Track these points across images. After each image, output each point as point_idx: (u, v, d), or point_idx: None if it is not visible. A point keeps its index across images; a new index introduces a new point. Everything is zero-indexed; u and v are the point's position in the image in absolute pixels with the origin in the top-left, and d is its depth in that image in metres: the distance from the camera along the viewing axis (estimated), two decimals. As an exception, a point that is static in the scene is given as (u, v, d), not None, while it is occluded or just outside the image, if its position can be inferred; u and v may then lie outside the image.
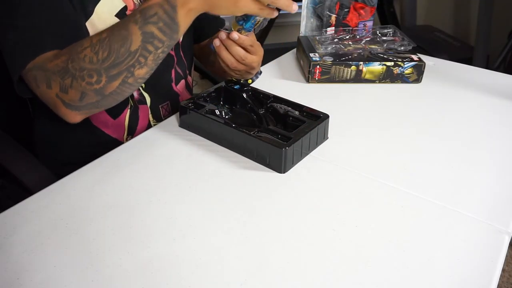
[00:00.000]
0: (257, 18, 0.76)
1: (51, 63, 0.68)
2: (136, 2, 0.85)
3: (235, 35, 0.79)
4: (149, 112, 0.92)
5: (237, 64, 0.83)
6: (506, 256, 0.65)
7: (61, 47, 0.69)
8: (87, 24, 0.79)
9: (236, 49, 0.81)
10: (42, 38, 0.71)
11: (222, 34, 0.81)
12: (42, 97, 0.71)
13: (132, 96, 0.89)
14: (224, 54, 0.82)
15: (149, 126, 0.94)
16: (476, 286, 0.56)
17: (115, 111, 0.87)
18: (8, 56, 0.72)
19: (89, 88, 0.66)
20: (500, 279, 0.72)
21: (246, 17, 0.77)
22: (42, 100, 0.72)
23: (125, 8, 0.83)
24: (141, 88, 0.90)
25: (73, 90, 0.67)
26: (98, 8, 0.79)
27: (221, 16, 1.05)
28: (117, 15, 0.82)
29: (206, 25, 1.05)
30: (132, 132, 0.92)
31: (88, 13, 0.78)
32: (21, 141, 0.93)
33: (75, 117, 0.72)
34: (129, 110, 0.89)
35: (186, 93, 1.04)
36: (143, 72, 0.68)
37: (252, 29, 0.79)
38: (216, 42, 0.82)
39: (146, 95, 0.91)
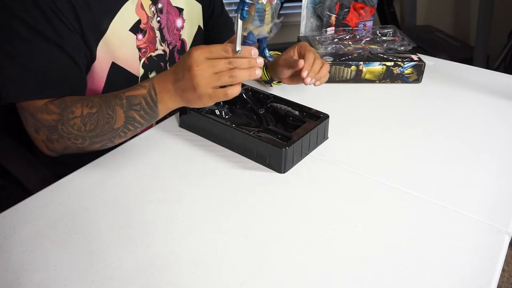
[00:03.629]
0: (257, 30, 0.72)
1: (42, 115, 0.73)
2: (149, 15, 0.84)
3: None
4: None
5: None
6: (506, 256, 0.65)
7: (53, 96, 0.74)
8: (101, 42, 0.78)
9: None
10: (35, 84, 0.73)
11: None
12: (29, 134, 0.78)
13: None
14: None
15: None
16: (476, 286, 0.56)
17: None
18: None
19: (73, 146, 0.74)
20: (500, 279, 0.72)
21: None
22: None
23: (139, 21, 0.82)
24: None
25: (59, 143, 0.74)
26: (113, 24, 0.78)
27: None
28: (131, 30, 0.81)
29: (217, 34, 1.05)
30: None
31: (103, 30, 0.78)
32: (21, 142, 0.93)
33: (53, 155, 0.79)
34: None
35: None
36: (122, 140, 0.76)
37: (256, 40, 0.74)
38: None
39: None
